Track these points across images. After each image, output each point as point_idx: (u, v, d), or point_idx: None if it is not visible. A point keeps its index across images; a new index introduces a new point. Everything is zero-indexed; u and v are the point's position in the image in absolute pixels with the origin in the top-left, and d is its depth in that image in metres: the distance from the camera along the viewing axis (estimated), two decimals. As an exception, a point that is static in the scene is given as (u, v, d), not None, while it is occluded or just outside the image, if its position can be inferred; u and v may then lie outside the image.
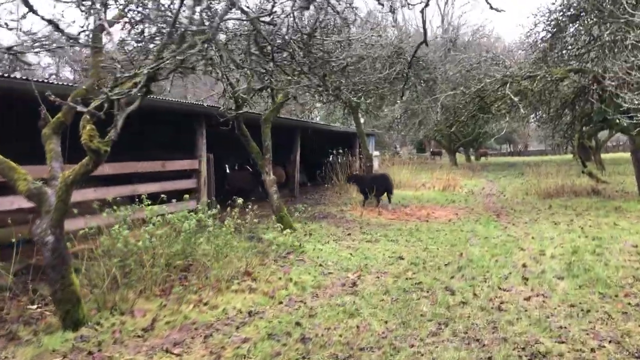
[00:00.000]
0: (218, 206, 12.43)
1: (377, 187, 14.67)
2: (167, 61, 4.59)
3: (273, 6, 5.71)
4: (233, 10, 5.51)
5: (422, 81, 15.32)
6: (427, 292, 6.57)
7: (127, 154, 12.53)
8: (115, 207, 7.36)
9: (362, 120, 43.38)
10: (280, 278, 7.30)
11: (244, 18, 5.69)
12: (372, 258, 8.41)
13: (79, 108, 4.61)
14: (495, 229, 10.99)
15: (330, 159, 19.92)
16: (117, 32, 6.94)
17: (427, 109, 21.72)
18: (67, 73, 32.69)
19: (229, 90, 9.57)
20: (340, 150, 18.90)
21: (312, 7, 9.24)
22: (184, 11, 4.80)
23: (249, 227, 10.90)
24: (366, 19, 10.09)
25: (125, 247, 6.41)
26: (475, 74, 13.07)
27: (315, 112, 31.75)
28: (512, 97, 11.75)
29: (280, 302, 6.26)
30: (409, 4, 6.13)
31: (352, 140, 22.14)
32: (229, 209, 8.50)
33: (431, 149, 58.44)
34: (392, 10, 8.73)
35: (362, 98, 10.21)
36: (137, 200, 7.96)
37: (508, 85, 12.16)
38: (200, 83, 33.41)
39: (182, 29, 4.61)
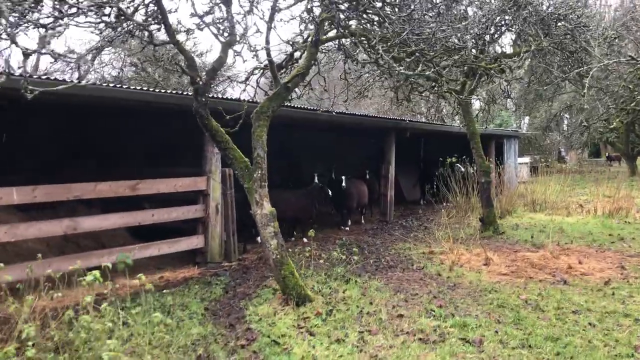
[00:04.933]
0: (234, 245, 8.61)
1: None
2: None
3: None
4: None
5: (568, 53, 9.99)
6: None
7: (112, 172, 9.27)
8: None
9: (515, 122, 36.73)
10: None
11: None
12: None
13: None
14: (698, 317, 5.63)
15: (451, 170, 14.83)
16: None
17: (595, 101, 15.87)
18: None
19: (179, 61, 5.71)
20: (455, 158, 13.93)
21: None
22: None
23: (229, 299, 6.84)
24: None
25: None
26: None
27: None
28: None
29: None
30: None
31: (485, 144, 16.72)
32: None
33: (607, 154, 48.82)
34: None
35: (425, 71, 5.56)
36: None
37: None
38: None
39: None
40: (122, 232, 9.03)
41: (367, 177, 14.19)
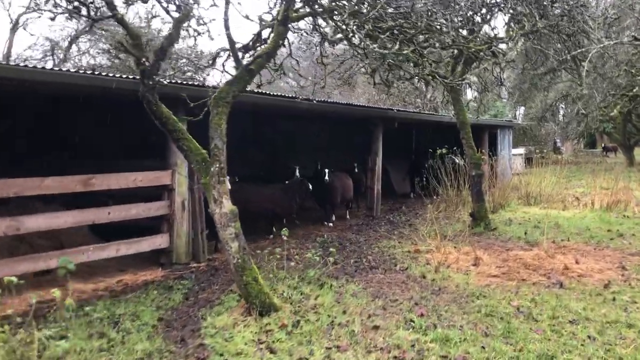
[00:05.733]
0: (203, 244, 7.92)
1: None
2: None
3: None
4: None
5: (565, 37, 9.32)
6: None
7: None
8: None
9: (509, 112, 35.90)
10: None
11: None
12: None
13: None
14: None
15: (441, 161, 14.10)
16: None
17: (591, 89, 15.22)
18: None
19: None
20: (446, 149, 13.27)
21: None
22: None
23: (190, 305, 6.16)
24: None
25: None
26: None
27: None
28: None
29: None
30: None
31: (478, 134, 15.94)
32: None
33: (603, 144, 48.06)
34: None
35: (405, 50, 4.88)
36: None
37: None
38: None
39: None
40: (85, 230, 8.35)
41: (355, 170, 13.50)
